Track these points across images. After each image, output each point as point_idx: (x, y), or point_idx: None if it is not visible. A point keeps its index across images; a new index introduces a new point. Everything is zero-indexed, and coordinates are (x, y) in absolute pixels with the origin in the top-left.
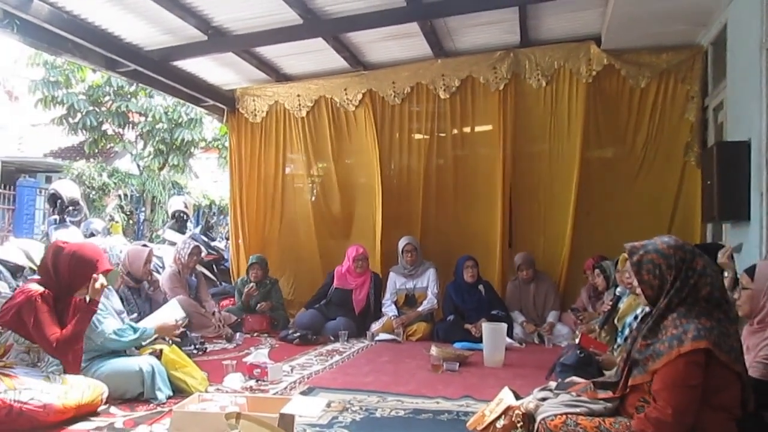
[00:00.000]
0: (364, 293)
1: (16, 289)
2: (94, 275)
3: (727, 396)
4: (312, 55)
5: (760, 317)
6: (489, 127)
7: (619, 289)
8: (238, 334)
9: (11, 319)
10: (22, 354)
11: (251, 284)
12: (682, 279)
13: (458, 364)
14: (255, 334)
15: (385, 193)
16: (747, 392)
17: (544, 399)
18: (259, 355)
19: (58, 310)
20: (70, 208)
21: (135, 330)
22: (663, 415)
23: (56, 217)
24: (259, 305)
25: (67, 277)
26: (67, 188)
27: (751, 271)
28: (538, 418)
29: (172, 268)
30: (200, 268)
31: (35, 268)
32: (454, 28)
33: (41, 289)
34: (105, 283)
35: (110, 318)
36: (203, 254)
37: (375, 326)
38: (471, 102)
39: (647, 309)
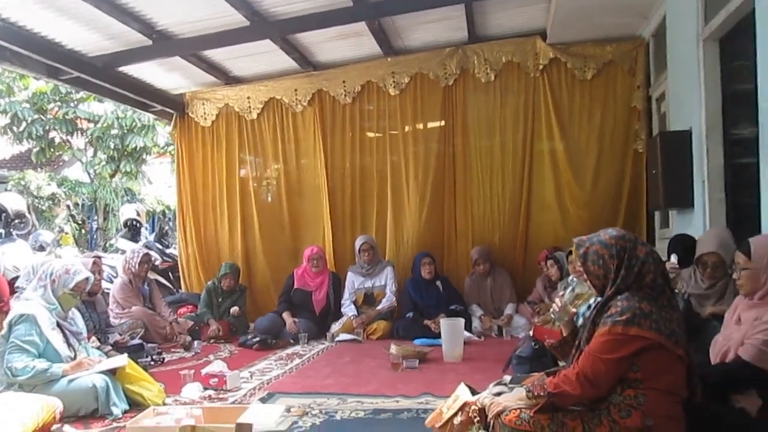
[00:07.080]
0: (324, 293)
1: None
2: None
3: (671, 379)
4: (261, 57)
5: (760, 294)
6: (441, 123)
7: (570, 278)
8: (196, 342)
9: None
10: None
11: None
12: (626, 267)
13: (418, 361)
14: (212, 341)
15: (337, 192)
16: (693, 377)
17: (499, 393)
18: (215, 364)
19: None
20: (16, 221)
21: (45, 369)
22: (570, 373)
23: (1, 231)
24: (232, 309)
25: None
26: (12, 200)
27: (746, 249)
28: (488, 414)
29: (122, 279)
30: (155, 276)
31: None
32: (403, 26)
33: None
34: None
35: (16, 353)
36: (158, 262)
37: (335, 327)
38: (421, 98)
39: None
